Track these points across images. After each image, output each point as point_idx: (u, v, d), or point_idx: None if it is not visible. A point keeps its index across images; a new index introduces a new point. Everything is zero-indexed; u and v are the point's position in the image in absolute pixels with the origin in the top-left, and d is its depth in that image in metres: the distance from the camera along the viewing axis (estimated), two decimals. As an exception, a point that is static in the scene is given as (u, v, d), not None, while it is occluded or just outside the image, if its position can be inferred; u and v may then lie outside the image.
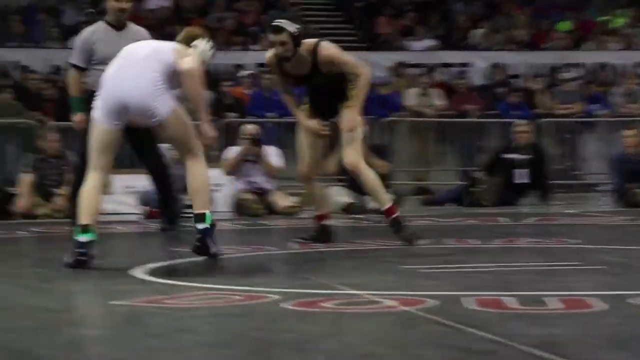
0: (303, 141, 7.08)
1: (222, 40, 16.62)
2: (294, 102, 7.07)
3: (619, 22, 18.20)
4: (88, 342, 3.63)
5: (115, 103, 5.78)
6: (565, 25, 18.02)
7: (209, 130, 6.03)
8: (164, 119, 5.78)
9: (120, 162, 13.32)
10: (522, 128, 12.04)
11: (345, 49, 18.05)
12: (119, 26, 8.17)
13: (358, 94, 6.80)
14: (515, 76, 16.50)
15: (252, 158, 10.73)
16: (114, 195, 11.06)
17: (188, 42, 6.10)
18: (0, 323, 4.03)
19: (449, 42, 17.32)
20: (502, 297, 4.39)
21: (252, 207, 10.48)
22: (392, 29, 17.60)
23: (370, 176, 6.88)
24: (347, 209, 10.49)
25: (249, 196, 10.55)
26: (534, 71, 16.35)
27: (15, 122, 13.03)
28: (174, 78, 5.89)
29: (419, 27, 17.13)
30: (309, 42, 6.84)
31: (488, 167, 11.98)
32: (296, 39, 6.74)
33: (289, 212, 10.37)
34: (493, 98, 15.39)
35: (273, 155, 10.84)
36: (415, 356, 3.32)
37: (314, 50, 6.79)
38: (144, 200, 10.38)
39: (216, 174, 10.96)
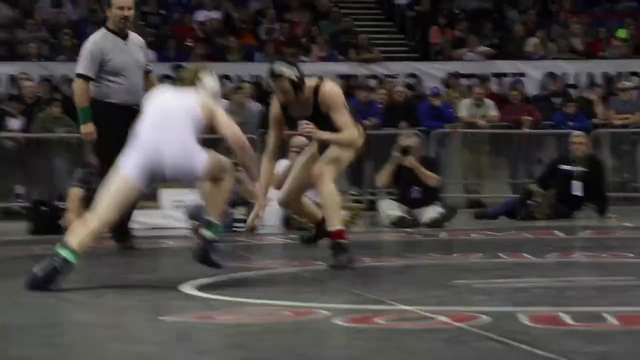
0: (294, 169, 7.04)
1: (272, 51, 16.71)
2: (269, 170, 6.82)
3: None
4: (137, 358, 3.67)
5: (153, 168, 5.85)
6: (622, 33, 17.85)
7: (259, 191, 6.31)
8: (200, 175, 5.90)
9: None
10: (578, 139, 11.94)
11: (397, 59, 18.21)
12: (123, 35, 8.15)
13: (339, 137, 6.55)
14: (572, 86, 16.37)
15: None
16: (163, 210, 11.16)
17: (193, 80, 6.14)
18: (49, 339, 4.09)
19: (502, 52, 17.25)
20: (557, 313, 4.37)
21: (302, 221, 10.50)
22: (445, 39, 17.57)
23: (331, 191, 6.56)
24: (398, 223, 10.48)
25: (299, 210, 10.57)
26: (591, 80, 16.22)
27: (65, 136, 13.21)
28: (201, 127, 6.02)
29: (472, 36, 17.08)
30: (312, 81, 6.64)
31: (543, 180, 11.90)
32: (297, 84, 6.55)
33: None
34: (549, 108, 15.27)
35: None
36: (468, 373, 3.32)
37: (316, 91, 6.60)
38: (192, 214, 10.44)
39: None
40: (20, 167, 13.00)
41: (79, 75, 8.08)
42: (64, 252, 5.58)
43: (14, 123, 13.20)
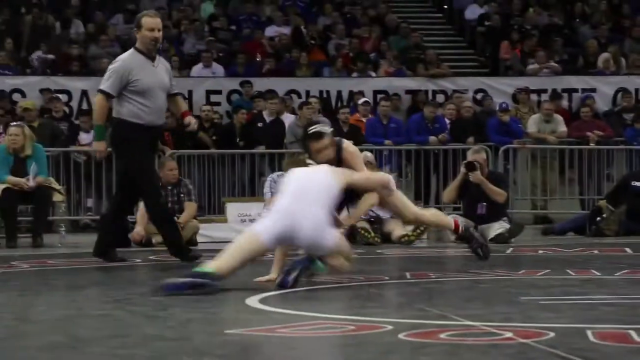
0: None
1: (341, 66, 16.75)
2: None
3: None
4: (202, 369, 3.70)
5: (286, 235, 6.18)
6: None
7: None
8: (328, 250, 6.35)
9: (235, 190, 13.63)
10: (649, 155, 11.76)
11: (467, 74, 18.20)
12: (151, 56, 8.18)
13: (360, 208, 6.91)
14: (644, 102, 16.16)
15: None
16: (229, 224, 11.23)
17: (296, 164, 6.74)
18: (115, 350, 4.14)
19: (573, 67, 17.08)
20: (625, 331, 4.30)
21: (367, 236, 10.50)
22: (515, 54, 17.44)
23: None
24: (463, 238, 10.38)
25: (365, 224, 10.57)
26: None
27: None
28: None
29: (543, 51, 16.94)
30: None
31: (613, 196, 11.73)
32: (335, 141, 6.78)
33: (404, 242, 10.36)
34: (620, 124, 15.08)
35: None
36: (533, 390, 3.28)
37: (338, 148, 6.80)
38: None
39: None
40: (90, 181, 13.19)
41: (101, 91, 8.19)
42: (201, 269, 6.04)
43: (86, 137, 13.39)
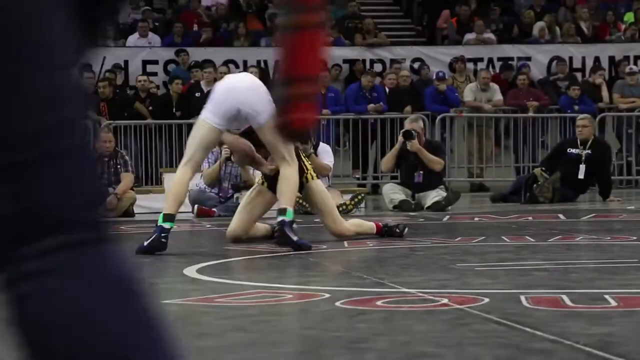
0: (246, 203, 7.19)
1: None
2: None
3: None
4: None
5: (230, 107, 6.53)
6: (630, 17, 17.79)
7: None
8: (264, 124, 6.50)
9: (172, 161, 13.56)
10: (583, 122, 11.92)
11: (404, 43, 18.19)
12: None
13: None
14: (578, 70, 16.33)
15: (304, 154, 10.71)
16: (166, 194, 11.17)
17: None
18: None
19: (509, 36, 17.21)
20: (558, 295, 4.37)
21: (305, 205, 10.51)
22: (451, 23, 17.53)
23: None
24: (401, 207, 10.48)
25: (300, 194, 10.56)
26: (597, 64, 16.18)
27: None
28: None
29: (479, 21, 17.03)
30: None
31: (548, 163, 11.89)
32: None
33: (342, 211, 10.38)
34: (554, 92, 15.26)
35: (324, 153, 10.86)
36: (468, 355, 3.32)
37: None
38: (195, 199, 10.48)
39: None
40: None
41: None
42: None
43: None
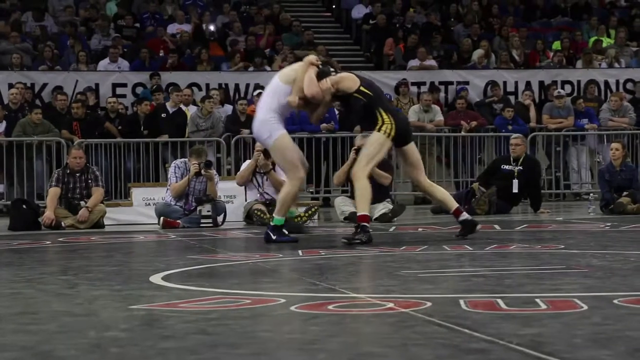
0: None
1: (238, 61, 16.66)
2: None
3: (608, 41, 18.17)
4: (107, 343, 3.64)
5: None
6: (557, 45, 18.01)
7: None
8: (271, 146, 7.62)
9: (140, 176, 13.48)
10: (517, 141, 12.03)
11: (354, 68, 18.38)
12: None
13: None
14: (511, 93, 16.48)
15: (263, 170, 10.75)
16: (134, 207, 11.10)
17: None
18: (26, 326, 4.05)
19: (449, 62, 17.33)
20: (494, 299, 4.39)
21: (262, 217, 10.49)
22: (397, 50, 17.62)
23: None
24: (351, 218, 10.48)
25: (260, 206, 10.55)
26: (528, 88, 16.34)
27: (44, 139, 13.10)
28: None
29: (422, 48, 17.15)
30: None
31: (484, 178, 11.97)
32: None
33: (297, 222, 10.36)
34: (490, 113, 15.39)
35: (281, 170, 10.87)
36: (411, 355, 3.32)
37: None
38: (161, 211, 10.42)
39: (230, 186, 11.01)
40: (2, 168, 12.86)
41: None
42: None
43: (-1, 127, 13.07)
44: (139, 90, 15.69)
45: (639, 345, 3.38)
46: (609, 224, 9.40)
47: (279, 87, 7.66)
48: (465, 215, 7.96)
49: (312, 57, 7.78)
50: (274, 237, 7.63)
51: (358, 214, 7.57)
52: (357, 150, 10.59)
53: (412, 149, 7.85)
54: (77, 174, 10.59)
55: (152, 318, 4.17)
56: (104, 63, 16.25)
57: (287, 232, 7.75)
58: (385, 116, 7.60)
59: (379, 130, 7.58)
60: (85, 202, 10.41)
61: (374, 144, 7.63)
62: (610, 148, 11.75)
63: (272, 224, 7.76)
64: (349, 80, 7.73)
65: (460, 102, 15.18)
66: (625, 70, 17.07)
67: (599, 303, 4.26)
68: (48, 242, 8.57)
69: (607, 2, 20.43)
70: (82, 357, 3.39)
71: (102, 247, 8.21)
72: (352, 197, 10.83)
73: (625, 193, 11.12)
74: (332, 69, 7.83)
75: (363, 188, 7.52)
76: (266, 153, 10.70)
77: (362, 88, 7.69)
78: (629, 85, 16.64)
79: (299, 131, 14.04)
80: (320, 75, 7.63)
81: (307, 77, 7.53)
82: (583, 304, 4.19)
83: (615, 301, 4.26)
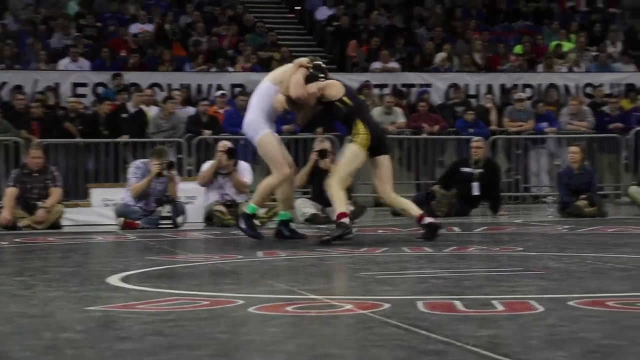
0: None
1: (201, 62, 16.61)
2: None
3: (569, 46, 18.36)
4: (63, 345, 3.62)
5: None
6: (519, 49, 18.16)
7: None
8: (256, 143, 7.95)
9: (99, 177, 13.38)
10: (477, 144, 12.11)
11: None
12: None
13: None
14: (472, 96, 16.59)
15: (225, 171, 10.74)
16: (93, 208, 11.03)
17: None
18: (-20, 327, 4.01)
19: (412, 64, 17.41)
20: (451, 301, 4.42)
21: (222, 218, 10.47)
22: (360, 52, 17.66)
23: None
24: (312, 220, 10.50)
25: (221, 207, 10.53)
26: (490, 91, 16.46)
27: (2, 139, 12.97)
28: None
29: (385, 50, 17.20)
30: None
31: (444, 180, 12.04)
32: None
33: (257, 222, 10.34)
34: (451, 116, 15.47)
35: (244, 170, 10.86)
36: (369, 356, 3.33)
37: None
38: (120, 212, 10.36)
39: (191, 187, 10.98)
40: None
41: None
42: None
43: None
44: (100, 90, 15.58)
45: (593, 346, 3.41)
46: (566, 227, 9.49)
47: (269, 88, 8.02)
48: (428, 219, 8.05)
49: (303, 60, 7.99)
50: (242, 226, 8.00)
51: (336, 213, 7.91)
52: (321, 152, 10.62)
53: (385, 162, 8.11)
54: (36, 174, 10.50)
55: (108, 319, 4.15)
56: (64, 62, 16.12)
57: (255, 225, 8.24)
58: (362, 127, 7.95)
59: (354, 141, 7.97)
60: (43, 203, 10.32)
61: (349, 157, 8.09)
62: (568, 151, 11.86)
63: (245, 210, 8.13)
64: (335, 88, 8.06)
65: (422, 105, 15.25)
66: (585, 75, 17.24)
67: (555, 305, 4.30)
68: (4, 243, 8.48)
69: (568, 7, 20.63)
70: (37, 359, 3.36)
71: (59, 248, 8.15)
72: (313, 199, 10.89)
73: (583, 196, 11.23)
74: (321, 75, 7.93)
75: (337, 192, 8.00)
76: (229, 153, 10.69)
77: (344, 98, 8.03)
78: (589, 90, 16.82)
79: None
80: (309, 79, 7.89)
81: (295, 78, 7.85)
82: (539, 305, 4.23)
83: (571, 303, 4.31)
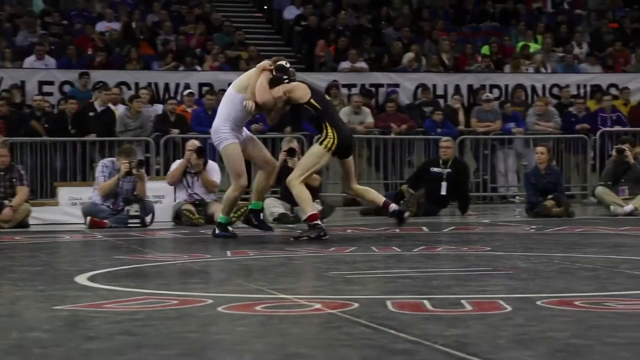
0: None
1: (170, 61, 16.54)
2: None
3: (535, 47, 18.49)
4: (30, 344, 3.59)
5: None
6: (486, 49, 18.26)
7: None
8: (220, 152, 8.10)
9: (66, 175, 13.29)
10: (446, 144, 12.17)
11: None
12: None
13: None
14: (441, 96, 16.66)
15: (194, 170, 10.70)
16: (60, 207, 10.95)
17: None
18: (-54, 327, 3.97)
19: (380, 65, 17.44)
20: (420, 300, 4.44)
21: (191, 217, 10.44)
22: (328, 52, 17.67)
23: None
24: (281, 219, 10.50)
25: (189, 207, 10.50)
26: (457, 92, 16.53)
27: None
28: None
29: (353, 50, 17.23)
30: None
31: (413, 180, 12.08)
32: None
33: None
34: (420, 116, 15.52)
35: (213, 170, 10.83)
36: (338, 356, 3.34)
37: None
38: (88, 211, 10.30)
39: (159, 186, 10.93)
40: None
41: None
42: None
43: None
44: (67, 88, 15.47)
45: (561, 346, 3.44)
46: (534, 227, 9.56)
47: (233, 97, 8.11)
48: (393, 207, 8.46)
49: (265, 63, 8.05)
50: (217, 232, 8.35)
51: (306, 215, 8.10)
52: (290, 151, 10.61)
53: (348, 161, 8.37)
54: (1, 173, 10.40)
55: (76, 319, 4.12)
56: (30, 60, 15.98)
57: (229, 229, 8.42)
58: (329, 130, 8.09)
59: (320, 143, 8.13)
60: (10, 201, 10.23)
61: (312, 157, 8.24)
62: (535, 152, 11.94)
63: (218, 221, 8.50)
64: (301, 91, 8.15)
65: (391, 105, 15.29)
66: (551, 76, 17.38)
67: (523, 304, 4.33)
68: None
69: (534, 8, 20.78)
70: (4, 358, 3.33)
71: (26, 246, 8.08)
72: (281, 198, 10.89)
73: (550, 196, 11.31)
74: (285, 77, 7.94)
75: (301, 192, 8.11)
76: (198, 153, 10.66)
77: (312, 100, 8.14)
78: (555, 90, 16.94)
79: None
80: (273, 82, 7.93)
81: (259, 83, 7.96)
82: (507, 305, 4.26)
83: (539, 303, 4.34)
